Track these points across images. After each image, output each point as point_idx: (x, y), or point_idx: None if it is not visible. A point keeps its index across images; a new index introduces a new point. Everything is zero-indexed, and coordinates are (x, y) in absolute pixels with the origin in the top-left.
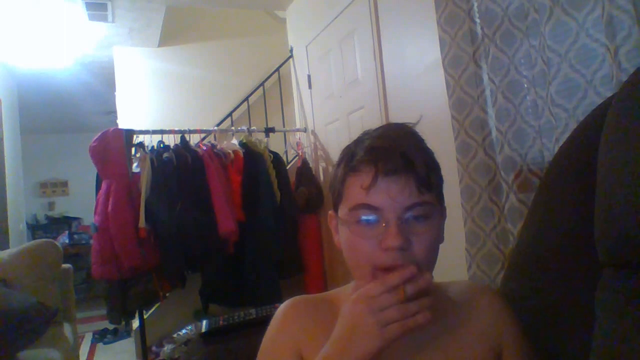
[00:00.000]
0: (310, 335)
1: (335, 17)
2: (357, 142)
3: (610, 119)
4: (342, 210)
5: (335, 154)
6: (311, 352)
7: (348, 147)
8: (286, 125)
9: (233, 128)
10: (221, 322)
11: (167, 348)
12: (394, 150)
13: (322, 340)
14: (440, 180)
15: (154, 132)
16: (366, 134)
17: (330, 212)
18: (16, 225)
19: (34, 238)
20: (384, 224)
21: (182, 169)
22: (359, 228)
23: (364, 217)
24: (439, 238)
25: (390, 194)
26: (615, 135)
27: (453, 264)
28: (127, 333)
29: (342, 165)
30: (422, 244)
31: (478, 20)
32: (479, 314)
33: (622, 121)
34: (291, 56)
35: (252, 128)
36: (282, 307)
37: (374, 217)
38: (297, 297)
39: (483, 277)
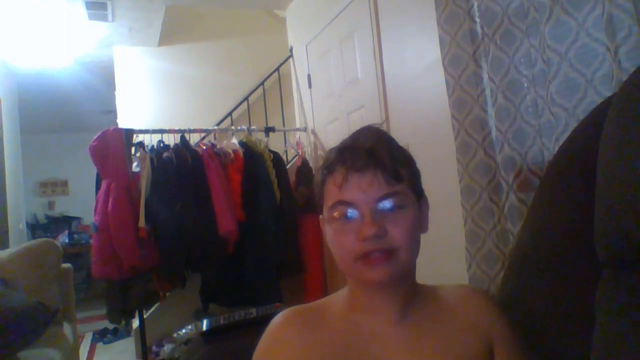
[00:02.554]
0: (302, 349)
1: (335, 17)
2: (333, 148)
3: (610, 119)
4: (325, 211)
5: None
6: None
7: (326, 153)
8: (286, 124)
9: (233, 127)
10: (222, 321)
11: (167, 348)
12: (361, 149)
13: (313, 353)
14: (413, 173)
15: (154, 131)
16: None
17: (320, 216)
18: (16, 224)
19: (34, 238)
20: (360, 217)
21: (182, 169)
22: (338, 224)
23: (341, 213)
24: (418, 227)
25: (361, 188)
26: (616, 134)
27: (453, 264)
28: (127, 333)
29: (320, 170)
30: (398, 231)
31: (478, 20)
32: (468, 311)
33: (622, 121)
34: (291, 56)
35: (252, 127)
36: (274, 322)
37: (351, 212)
38: (289, 311)
39: (483, 277)
